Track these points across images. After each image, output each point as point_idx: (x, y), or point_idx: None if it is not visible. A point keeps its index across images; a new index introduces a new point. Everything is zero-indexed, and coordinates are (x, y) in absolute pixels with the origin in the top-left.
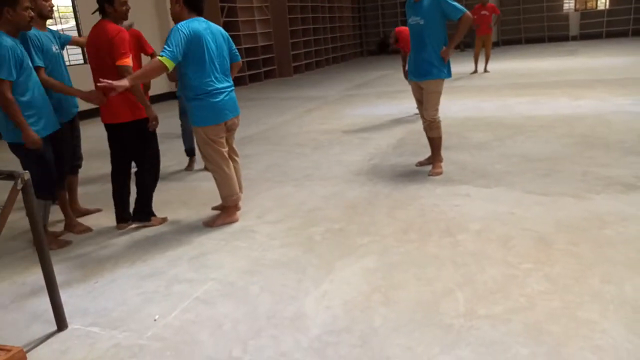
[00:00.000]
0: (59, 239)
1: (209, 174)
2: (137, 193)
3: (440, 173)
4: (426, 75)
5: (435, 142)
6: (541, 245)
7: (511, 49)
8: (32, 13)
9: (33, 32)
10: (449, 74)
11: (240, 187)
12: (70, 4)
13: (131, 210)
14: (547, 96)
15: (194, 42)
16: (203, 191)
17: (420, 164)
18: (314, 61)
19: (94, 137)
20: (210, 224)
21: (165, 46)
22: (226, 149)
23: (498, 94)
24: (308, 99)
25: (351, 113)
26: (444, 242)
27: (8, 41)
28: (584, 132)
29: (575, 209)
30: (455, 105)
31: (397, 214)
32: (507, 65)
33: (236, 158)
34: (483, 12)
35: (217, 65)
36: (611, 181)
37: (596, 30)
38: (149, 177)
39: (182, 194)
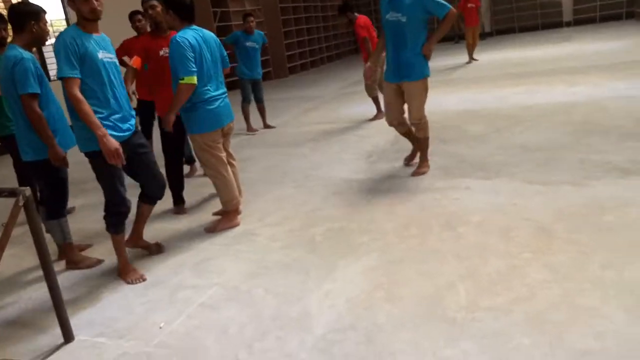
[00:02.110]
0: (89, 258)
1: (208, 180)
2: None
3: (425, 172)
4: (409, 77)
5: (423, 143)
6: (542, 235)
7: (505, 39)
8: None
9: (71, 33)
10: (429, 71)
11: (239, 191)
12: (64, 17)
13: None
14: (543, 85)
15: (194, 52)
16: (203, 197)
17: (408, 160)
18: (309, 61)
19: None
20: (211, 229)
21: (179, 66)
22: (224, 153)
23: (494, 85)
24: (305, 99)
25: (348, 111)
26: (445, 235)
27: (28, 54)
28: (581, 119)
29: (575, 197)
30: (451, 98)
31: (398, 210)
32: (502, 55)
33: (233, 162)
34: (470, 5)
35: (212, 73)
36: (610, 167)
37: (590, 15)
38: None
39: None
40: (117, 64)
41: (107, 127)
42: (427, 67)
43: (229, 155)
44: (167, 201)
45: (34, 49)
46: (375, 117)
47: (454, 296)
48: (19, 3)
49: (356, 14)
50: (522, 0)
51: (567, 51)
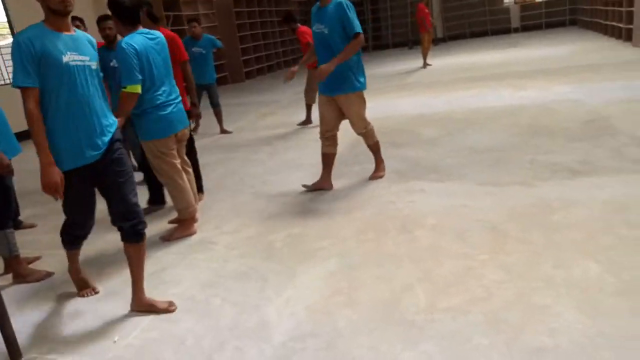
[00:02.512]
0: (37, 271)
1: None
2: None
3: (382, 176)
4: (340, 90)
5: (373, 148)
6: (495, 235)
7: (457, 44)
8: None
9: (29, 34)
10: (364, 85)
11: (195, 198)
12: (6, 19)
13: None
14: (493, 88)
15: (141, 59)
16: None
17: (307, 188)
18: (266, 65)
19: None
20: (167, 238)
21: (123, 74)
22: (178, 160)
23: (446, 89)
24: (261, 104)
25: (305, 116)
26: (400, 239)
27: None
28: (529, 122)
29: (525, 197)
30: (406, 102)
31: (355, 214)
32: (453, 60)
33: (188, 169)
34: (427, 10)
35: (164, 77)
36: (557, 167)
37: (536, 21)
38: None
39: None
40: (94, 67)
41: (74, 145)
42: (359, 79)
43: (184, 162)
44: None
45: None
46: (303, 123)
47: (412, 299)
48: None
49: (298, 24)
50: (472, 6)
51: (515, 56)
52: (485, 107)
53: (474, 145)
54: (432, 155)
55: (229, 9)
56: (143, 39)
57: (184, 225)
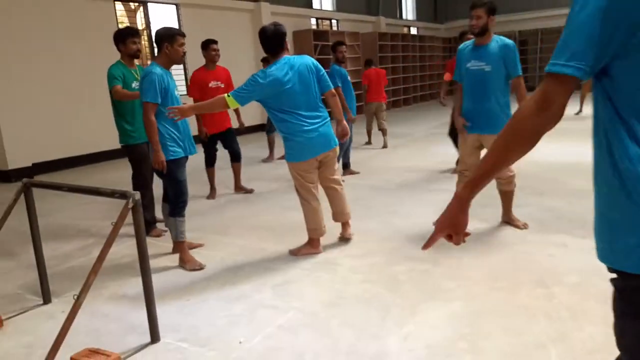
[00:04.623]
0: (195, 261)
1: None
2: None
3: (520, 227)
4: (493, 129)
5: (509, 195)
6: None
7: None
8: (185, 49)
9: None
10: None
11: (345, 214)
12: None
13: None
14: None
15: (275, 88)
16: (291, 220)
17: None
18: (402, 98)
19: None
20: (295, 252)
21: (239, 87)
22: (314, 184)
23: None
24: (394, 135)
25: (437, 151)
26: (536, 293)
27: (158, 70)
28: None
29: None
30: (552, 147)
31: (486, 259)
32: None
33: (336, 187)
34: None
35: (305, 104)
36: None
37: None
38: None
39: (271, 222)
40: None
41: None
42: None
43: (332, 180)
44: (260, 217)
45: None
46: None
47: (543, 358)
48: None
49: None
50: None
51: None
52: None
53: None
54: (578, 208)
55: (374, 42)
56: (280, 70)
57: (311, 243)
